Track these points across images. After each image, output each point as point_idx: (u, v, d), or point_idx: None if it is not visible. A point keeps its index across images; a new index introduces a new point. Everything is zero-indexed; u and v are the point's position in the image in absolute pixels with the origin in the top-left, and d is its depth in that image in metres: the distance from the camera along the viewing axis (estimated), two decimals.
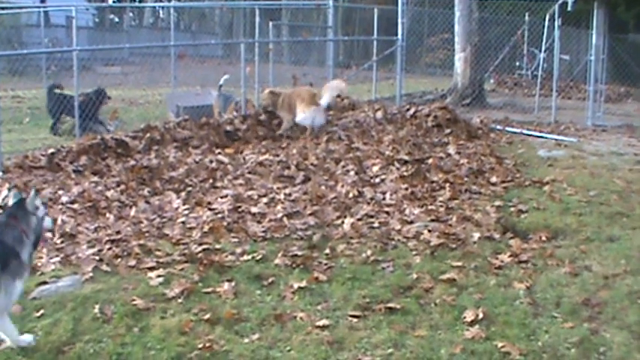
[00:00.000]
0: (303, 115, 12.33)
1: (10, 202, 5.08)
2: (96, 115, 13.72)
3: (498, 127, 13.74)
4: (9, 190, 8.08)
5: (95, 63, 26.39)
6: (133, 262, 6.35)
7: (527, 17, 22.78)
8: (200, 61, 24.92)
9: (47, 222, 5.17)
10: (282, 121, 12.60)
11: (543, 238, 7.27)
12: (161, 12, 49.45)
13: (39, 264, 6.29)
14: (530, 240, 7.28)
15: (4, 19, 27.12)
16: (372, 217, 7.93)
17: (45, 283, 5.89)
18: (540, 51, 22.31)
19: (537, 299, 5.77)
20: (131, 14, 48.10)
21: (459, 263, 6.50)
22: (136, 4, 53.04)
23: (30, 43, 27.24)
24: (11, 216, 4.87)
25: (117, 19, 48.26)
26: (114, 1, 55.52)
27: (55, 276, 6.04)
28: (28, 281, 5.84)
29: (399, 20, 16.38)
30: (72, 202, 8.21)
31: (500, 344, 4.91)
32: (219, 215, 7.85)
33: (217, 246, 6.85)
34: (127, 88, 20.37)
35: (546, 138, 12.99)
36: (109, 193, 8.54)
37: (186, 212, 8.02)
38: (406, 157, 10.19)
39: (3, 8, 26.34)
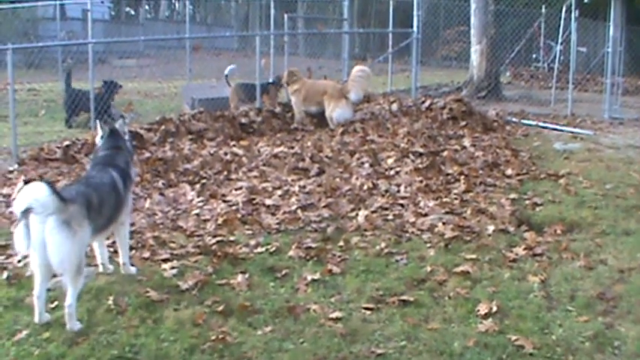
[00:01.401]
0: (341, 111, 12.51)
1: (100, 133, 5.88)
2: (109, 108, 13.70)
3: (514, 119, 13.68)
4: (24, 182, 8.14)
5: (111, 56, 26.43)
6: (147, 254, 6.37)
7: (543, 9, 22.66)
8: (215, 53, 24.92)
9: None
10: (294, 110, 12.83)
11: (558, 232, 7.22)
12: (177, 4, 49.56)
13: None
14: (545, 233, 7.24)
15: (21, 12, 27.22)
16: (386, 209, 7.91)
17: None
18: (557, 43, 22.17)
19: (552, 293, 5.73)
20: (147, 7, 48.22)
21: (473, 256, 6.47)
22: None
23: (46, 36, 27.36)
24: (115, 146, 5.77)
25: (132, 12, 48.39)
26: None
27: None
28: None
29: (415, 12, 16.31)
30: None
31: (513, 338, 4.88)
32: (234, 207, 7.86)
33: (231, 238, 6.87)
34: (143, 80, 20.40)
35: (562, 131, 12.91)
36: None
37: (200, 204, 8.04)
38: (421, 150, 10.16)
39: (20, 1, 26.41)
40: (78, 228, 4.87)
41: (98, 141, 5.97)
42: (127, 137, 6.02)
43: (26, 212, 4.63)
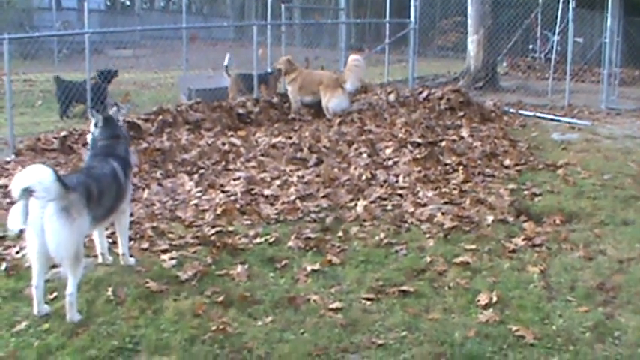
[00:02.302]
0: (337, 100, 12.54)
1: (95, 119, 5.83)
2: (106, 98, 13.64)
3: (511, 110, 13.68)
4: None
5: (107, 46, 26.33)
6: (145, 245, 6.37)
7: (540, 0, 22.62)
8: (212, 43, 24.88)
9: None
10: (290, 99, 12.86)
11: (557, 222, 7.22)
12: None
13: None
14: (544, 223, 7.24)
15: (16, 2, 27.18)
16: (385, 199, 7.91)
17: (57, 265, 5.88)
18: (554, 34, 22.14)
19: (551, 283, 5.73)
20: None
21: (473, 246, 6.47)
22: None
23: (42, 26, 27.30)
24: (114, 135, 5.77)
25: (128, 2, 48.28)
26: None
27: None
28: None
29: (412, 2, 16.31)
30: None
31: (514, 328, 4.88)
32: (232, 198, 7.85)
33: (230, 228, 6.86)
34: (139, 71, 20.37)
35: (560, 121, 12.92)
36: None
37: (198, 195, 8.03)
38: (419, 140, 10.15)
39: None
40: (77, 216, 4.89)
41: (92, 129, 5.90)
42: (120, 124, 6.03)
43: (26, 192, 4.62)
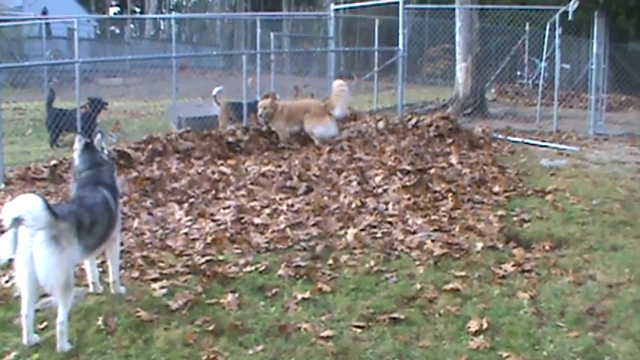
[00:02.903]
0: (323, 128, 12.58)
1: (77, 145, 5.80)
2: (96, 126, 13.62)
3: (500, 136, 13.75)
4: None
5: (97, 75, 26.34)
6: (136, 274, 6.34)
7: (527, 27, 22.77)
8: (201, 72, 24.92)
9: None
10: (278, 132, 12.72)
11: (547, 248, 7.26)
12: (162, 23, 49.60)
13: None
14: (534, 249, 7.26)
15: (6, 31, 27.22)
16: (375, 227, 7.92)
17: (48, 295, 5.86)
18: (541, 60, 22.26)
19: (541, 309, 5.75)
20: (132, 26, 48.26)
21: (463, 273, 6.49)
22: (137, 15, 53.29)
23: (32, 55, 27.33)
24: (95, 163, 5.73)
25: (118, 31, 48.43)
26: (115, 13, 55.70)
27: None
28: None
29: (401, 30, 16.39)
30: None
31: (505, 354, 4.90)
32: (222, 226, 7.85)
33: (220, 257, 6.85)
34: (129, 99, 20.39)
35: (548, 147, 12.99)
36: None
37: (188, 223, 8.02)
38: (408, 167, 10.19)
39: (5, 20, 26.40)
40: (66, 245, 4.87)
41: (76, 156, 5.86)
42: (105, 152, 5.97)
43: (16, 221, 4.61)
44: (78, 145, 5.82)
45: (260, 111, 12.66)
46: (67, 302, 4.95)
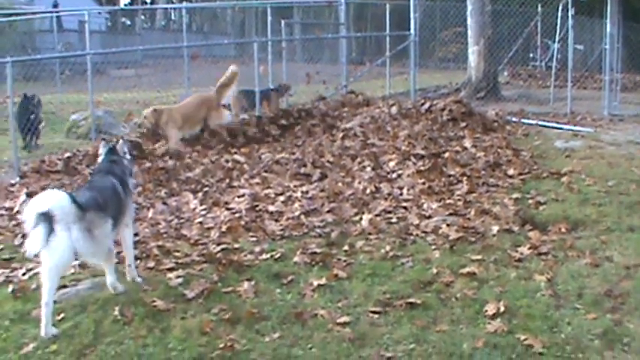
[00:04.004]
0: (225, 121, 12.35)
1: (101, 150, 6.25)
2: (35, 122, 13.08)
3: (514, 119, 13.65)
4: (27, 195, 8.16)
5: (109, 66, 26.46)
6: (152, 264, 6.36)
7: (539, 8, 22.64)
8: (213, 61, 24.91)
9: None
10: (169, 138, 11.54)
11: (563, 230, 7.22)
12: (173, 13, 49.57)
13: None
14: (550, 232, 7.22)
15: (18, 25, 27.26)
16: (389, 212, 7.91)
17: (65, 286, 5.89)
18: (554, 42, 22.18)
19: (559, 291, 5.71)
20: (143, 17, 48.30)
21: (479, 257, 6.46)
22: (148, 6, 53.29)
23: (43, 48, 27.39)
24: (112, 160, 6.10)
25: (129, 22, 48.44)
26: (125, 5, 55.71)
27: (75, 279, 6.04)
28: None
29: (412, 15, 16.32)
30: None
31: (522, 337, 4.87)
32: (237, 215, 7.86)
33: (236, 245, 6.86)
34: (141, 90, 20.43)
35: (563, 129, 12.89)
36: None
37: (203, 212, 8.04)
38: (422, 152, 10.15)
39: (16, 14, 26.45)
40: (99, 230, 5.28)
41: (99, 160, 6.27)
42: (127, 156, 6.32)
43: (43, 216, 4.80)
44: (102, 150, 6.24)
45: (143, 121, 11.87)
46: (112, 263, 5.71)
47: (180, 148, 11.35)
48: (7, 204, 8.33)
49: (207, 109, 12.17)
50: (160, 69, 23.16)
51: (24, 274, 6.18)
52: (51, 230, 4.84)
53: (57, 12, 27.56)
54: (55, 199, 4.96)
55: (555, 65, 18.85)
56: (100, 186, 5.75)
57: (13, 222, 7.74)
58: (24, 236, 7.10)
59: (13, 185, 9.26)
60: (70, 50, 26.38)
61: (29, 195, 8.27)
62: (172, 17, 51.71)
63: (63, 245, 4.95)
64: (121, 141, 6.46)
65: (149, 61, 27.06)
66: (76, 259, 5.54)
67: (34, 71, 17.22)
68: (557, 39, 21.16)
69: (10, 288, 5.85)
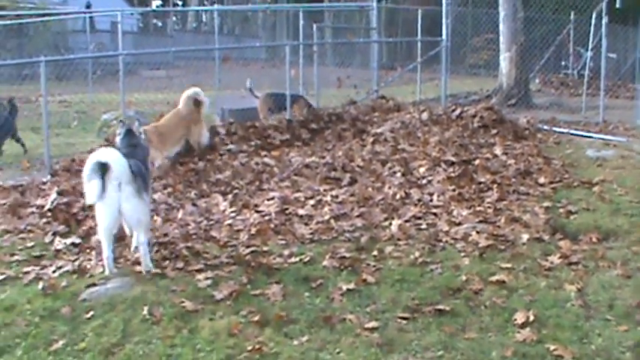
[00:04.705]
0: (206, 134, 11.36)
1: (119, 130, 7.11)
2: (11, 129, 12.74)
3: (545, 127, 13.54)
4: (57, 194, 8.23)
5: (140, 67, 26.65)
6: (180, 265, 6.38)
7: (572, 15, 22.50)
8: (244, 64, 24.98)
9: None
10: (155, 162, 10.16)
11: (594, 240, 7.15)
12: (204, 15, 49.83)
13: (88, 266, 6.36)
14: (581, 241, 7.16)
15: (51, 25, 27.51)
16: (419, 218, 7.88)
17: (94, 285, 5.94)
18: (587, 50, 22.00)
19: (589, 301, 5.67)
20: (175, 18, 48.56)
21: (509, 265, 6.42)
22: (180, 8, 53.59)
23: (76, 48, 27.65)
24: (131, 143, 6.85)
25: (160, 24, 48.74)
26: (157, 6, 56.03)
27: (104, 278, 6.09)
28: (78, 283, 5.94)
29: (444, 20, 16.27)
30: None
31: (552, 347, 4.84)
32: (266, 217, 7.87)
33: (265, 248, 6.87)
34: (172, 91, 20.49)
35: (594, 138, 12.77)
36: (156, 196, 8.58)
37: (233, 214, 8.05)
38: (453, 158, 10.10)
39: (50, 15, 26.69)
40: (145, 195, 6.20)
41: (117, 140, 7.12)
42: (141, 136, 7.34)
43: (100, 168, 5.72)
44: (120, 130, 7.09)
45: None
46: (147, 234, 6.29)
47: (166, 167, 10.41)
48: (39, 202, 8.39)
49: (191, 125, 11.11)
50: (191, 70, 23.23)
51: (54, 272, 6.23)
52: (104, 185, 5.75)
53: (90, 13, 27.77)
54: (114, 157, 5.83)
55: (588, 73, 18.68)
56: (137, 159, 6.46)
57: (44, 220, 7.79)
58: (54, 234, 7.24)
59: (44, 183, 9.32)
60: (102, 51, 26.58)
61: (60, 193, 8.35)
62: (204, 19, 52.04)
63: (114, 202, 5.89)
64: (136, 123, 7.36)
65: (180, 62, 27.22)
66: None
67: (67, 71, 17.35)
68: (590, 47, 20.98)
69: (41, 285, 5.90)
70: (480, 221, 7.70)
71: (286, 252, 6.74)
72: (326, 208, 8.16)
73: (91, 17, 28.62)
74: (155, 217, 7.85)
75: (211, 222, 7.83)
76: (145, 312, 5.37)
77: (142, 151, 6.99)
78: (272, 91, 14.17)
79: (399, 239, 7.15)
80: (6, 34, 25.44)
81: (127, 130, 7.01)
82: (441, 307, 5.51)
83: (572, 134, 13.06)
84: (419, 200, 8.51)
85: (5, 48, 25.02)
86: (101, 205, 5.94)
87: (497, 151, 10.79)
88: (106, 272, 6.10)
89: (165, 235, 7.24)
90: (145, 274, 6.12)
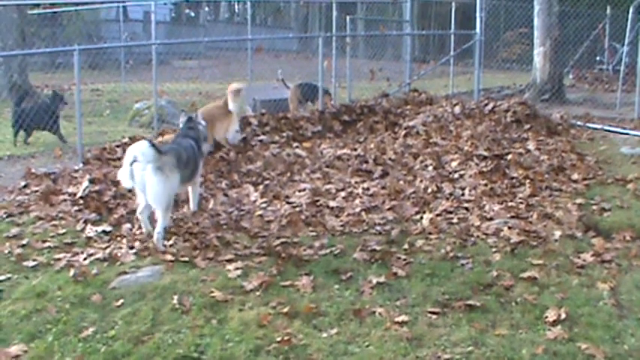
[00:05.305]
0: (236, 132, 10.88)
1: (182, 119, 8.09)
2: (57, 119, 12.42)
3: (579, 123, 13.42)
4: (89, 182, 8.27)
5: (172, 57, 26.74)
6: (211, 255, 6.41)
7: (608, 10, 22.22)
8: (276, 55, 25.02)
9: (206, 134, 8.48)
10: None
11: (627, 238, 7.06)
12: (237, 6, 49.91)
13: (118, 254, 6.39)
14: (614, 239, 7.07)
15: (85, 14, 27.68)
16: (451, 212, 7.83)
17: (125, 273, 5.98)
18: (622, 45, 21.72)
19: (622, 301, 5.59)
20: (207, 9, 48.60)
21: (540, 261, 6.36)
22: None
23: (109, 37, 27.83)
24: (190, 127, 7.91)
25: (193, 14, 48.81)
26: None
27: (135, 266, 6.13)
28: (108, 271, 5.98)
29: (478, 14, 16.16)
30: None
31: (583, 346, 4.78)
32: (297, 209, 7.87)
33: (295, 239, 6.87)
34: (204, 81, 20.60)
35: (629, 135, 12.62)
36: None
37: (263, 205, 8.06)
38: (485, 153, 10.03)
39: (83, 4, 26.85)
40: (169, 174, 6.62)
41: (180, 126, 8.04)
42: (203, 124, 8.24)
43: (132, 162, 6.42)
44: (182, 119, 8.08)
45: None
46: (166, 218, 6.67)
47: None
48: (71, 189, 8.44)
49: (215, 121, 10.50)
50: (223, 61, 23.31)
51: (85, 259, 6.28)
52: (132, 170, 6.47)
53: (123, 2, 27.88)
54: (136, 147, 6.40)
55: (623, 69, 18.45)
56: (185, 145, 7.34)
57: (76, 207, 7.84)
58: (86, 222, 7.29)
59: (76, 171, 9.37)
60: (134, 40, 26.69)
61: (92, 181, 8.40)
62: (236, 10, 52.10)
63: (141, 180, 6.50)
64: (198, 112, 8.88)
65: (212, 52, 27.27)
66: None
67: (100, 60, 17.47)
68: (626, 42, 20.72)
69: (72, 272, 5.95)
70: (512, 217, 7.64)
71: (317, 244, 6.74)
72: (357, 201, 8.15)
73: (124, 7, 28.75)
74: (186, 208, 7.89)
75: (242, 212, 7.84)
76: (175, 301, 5.39)
77: (197, 133, 7.85)
78: (302, 82, 14.14)
79: (429, 233, 7.12)
80: (40, 22, 25.64)
81: (188, 118, 8.04)
82: (471, 302, 5.46)
83: (606, 130, 12.94)
84: (450, 194, 8.46)
85: (39, 37, 25.18)
86: (136, 185, 6.67)
87: (530, 146, 10.71)
88: (143, 230, 6.93)
89: (197, 224, 7.27)
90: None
